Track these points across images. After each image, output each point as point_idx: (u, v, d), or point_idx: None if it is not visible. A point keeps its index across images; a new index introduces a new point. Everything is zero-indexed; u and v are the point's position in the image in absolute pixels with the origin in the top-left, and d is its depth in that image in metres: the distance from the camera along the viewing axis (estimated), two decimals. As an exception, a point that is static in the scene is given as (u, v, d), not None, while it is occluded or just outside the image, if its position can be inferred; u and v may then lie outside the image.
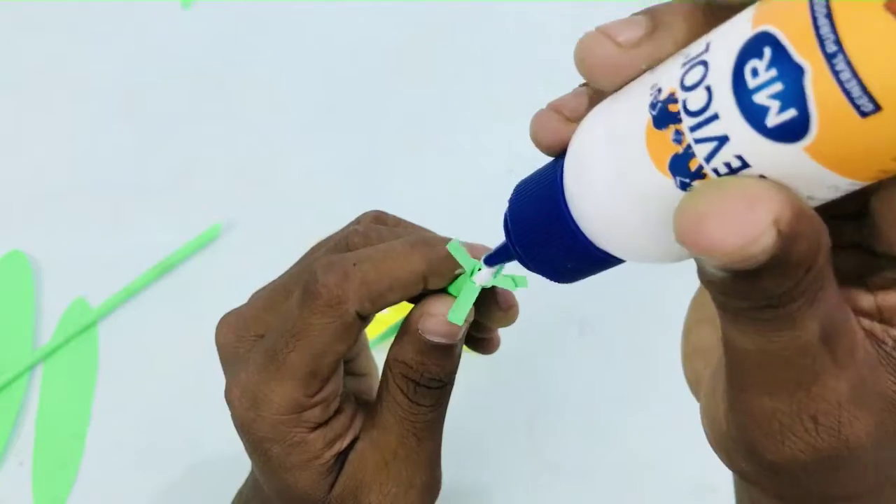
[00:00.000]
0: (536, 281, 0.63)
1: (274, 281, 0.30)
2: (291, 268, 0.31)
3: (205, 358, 0.44)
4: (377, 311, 0.27)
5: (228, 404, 0.28)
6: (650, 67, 0.19)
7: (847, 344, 0.18)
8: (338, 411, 0.29)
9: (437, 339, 0.27)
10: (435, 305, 0.27)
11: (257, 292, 0.31)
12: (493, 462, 0.51)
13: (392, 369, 0.28)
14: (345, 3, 0.74)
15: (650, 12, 0.19)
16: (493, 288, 0.29)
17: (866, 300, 0.19)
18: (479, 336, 0.32)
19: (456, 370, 0.29)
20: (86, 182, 0.64)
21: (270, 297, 0.29)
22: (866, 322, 0.19)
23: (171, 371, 0.55)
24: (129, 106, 0.69)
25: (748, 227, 0.15)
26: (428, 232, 0.30)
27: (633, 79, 0.19)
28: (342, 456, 0.29)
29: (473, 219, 0.62)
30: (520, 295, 0.56)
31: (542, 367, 0.54)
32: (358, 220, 0.31)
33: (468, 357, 0.54)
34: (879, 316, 0.19)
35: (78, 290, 0.58)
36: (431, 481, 0.29)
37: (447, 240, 0.28)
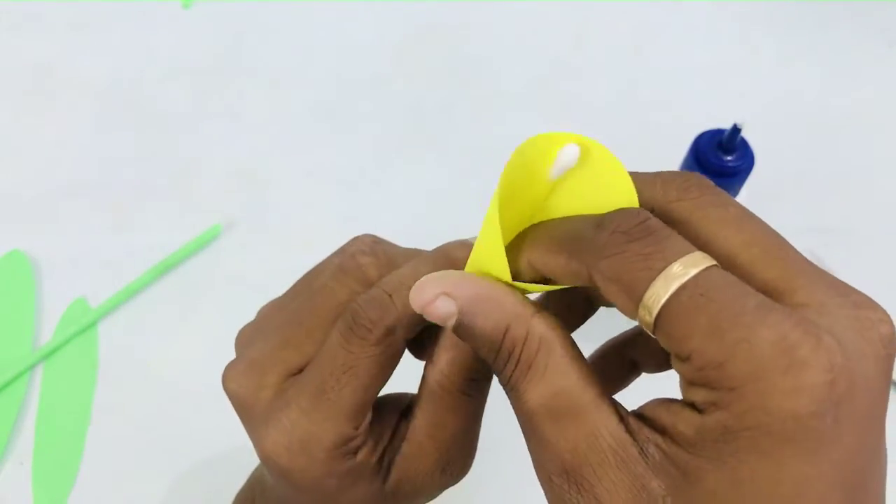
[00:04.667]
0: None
1: (279, 314, 0.29)
2: (292, 297, 0.30)
3: (204, 357, 0.44)
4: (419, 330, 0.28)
5: (271, 456, 0.27)
6: None
7: (575, 422, 0.22)
8: (372, 419, 0.29)
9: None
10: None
11: (258, 330, 0.30)
12: (493, 461, 0.51)
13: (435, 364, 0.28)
14: (345, 3, 0.74)
15: None
16: None
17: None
18: None
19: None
20: (86, 182, 0.64)
21: (285, 335, 0.28)
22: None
23: (171, 371, 0.55)
24: (129, 106, 0.69)
25: (420, 296, 0.25)
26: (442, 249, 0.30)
27: None
28: (388, 453, 0.29)
29: (474, 217, 0.62)
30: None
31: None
32: (356, 240, 0.30)
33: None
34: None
35: (78, 290, 0.58)
36: (469, 459, 0.32)
37: (463, 244, 0.29)
